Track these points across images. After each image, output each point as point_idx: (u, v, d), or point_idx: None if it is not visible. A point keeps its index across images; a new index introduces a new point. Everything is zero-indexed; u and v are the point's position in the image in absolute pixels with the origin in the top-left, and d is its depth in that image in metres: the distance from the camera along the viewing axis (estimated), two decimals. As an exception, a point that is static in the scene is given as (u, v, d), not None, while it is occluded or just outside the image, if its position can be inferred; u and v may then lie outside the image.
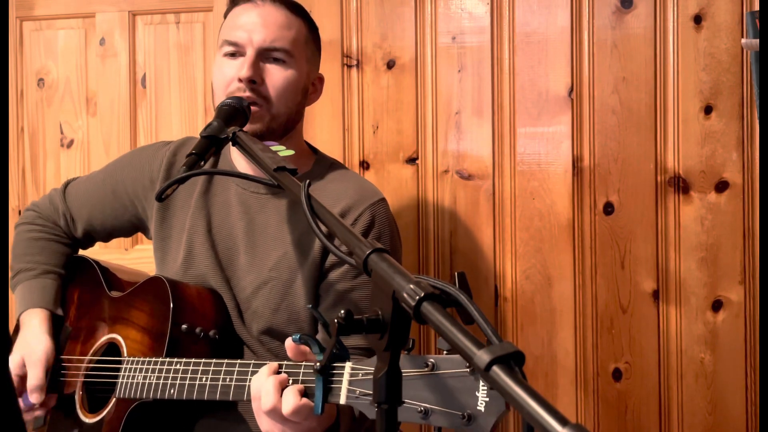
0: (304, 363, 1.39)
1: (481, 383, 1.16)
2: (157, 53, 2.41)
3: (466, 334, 0.88)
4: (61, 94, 2.47)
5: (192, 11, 2.39)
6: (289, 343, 1.39)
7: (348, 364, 1.30)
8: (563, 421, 0.77)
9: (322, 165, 1.83)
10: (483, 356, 0.84)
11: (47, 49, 2.48)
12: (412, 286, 0.96)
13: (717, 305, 2.10)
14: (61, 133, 2.47)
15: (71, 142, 2.47)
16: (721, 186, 2.10)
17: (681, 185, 2.11)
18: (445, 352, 1.17)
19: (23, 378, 1.74)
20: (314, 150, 1.88)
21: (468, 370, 1.16)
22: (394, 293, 0.97)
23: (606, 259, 2.15)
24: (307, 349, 1.38)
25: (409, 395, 1.19)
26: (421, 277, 1.01)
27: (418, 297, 0.94)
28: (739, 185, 2.09)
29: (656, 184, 2.12)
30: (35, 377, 1.72)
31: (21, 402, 1.74)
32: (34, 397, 1.72)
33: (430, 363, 1.19)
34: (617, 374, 2.15)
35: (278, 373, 1.39)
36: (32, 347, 1.75)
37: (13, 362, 1.75)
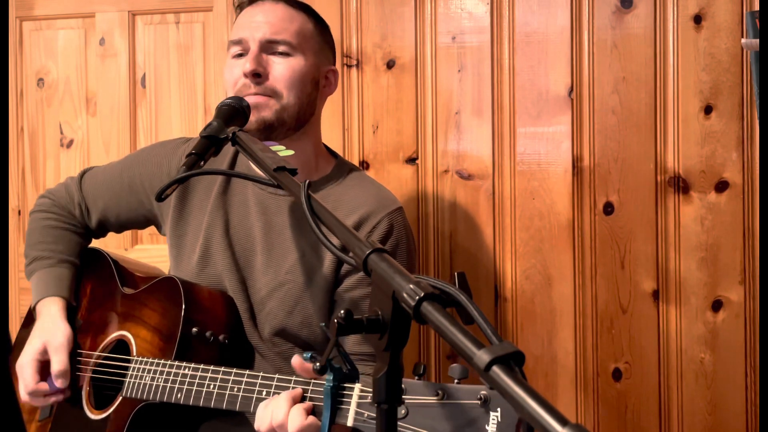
0: (313, 381, 1.39)
1: (492, 417, 1.15)
2: (157, 53, 2.41)
3: (466, 334, 0.88)
4: (60, 94, 2.47)
5: (192, 11, 2.39)
6: (295, 360, 1.39)
7: (357, 386, 1.29)
8: (563, 421, 0.77)
9: (342, 170, 1.83)
10: (483, 356, 0.84)
11: (47, 49, 2.47)
12: (411, 286, 0.95)
13: (717, 305, 2.10)
14: (61, 133, 2.47)
15: (71, 142, 2.47)
16: (721, 186, 2.10)
17: (681, 185, 2.11)
18: (456, 381, 1.17)
19: (45, 364, 1.73)
20: (334, 154, 1.88)
21: (479, 401, 1.15)
22: (394, 293, 0.97)
23: (606, 259, 2.15)
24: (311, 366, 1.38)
25: (418, 422, 1.18)
26: (421, 277, 1.01)
27: (417, 297, 0.94)
28: (739, 185, 2.09)
29: (656, 184, 2.12)
30: (60, 362, 1.72)
31: (47, 385, 1.72)
32: (60, 382, 1.71)
33: (440, 392, 1.18)
34: (617, 374, 2.15)
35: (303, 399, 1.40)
36: (53, 333, 1.75)
37: (34, 348, 1.73)
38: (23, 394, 1.74)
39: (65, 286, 1.84)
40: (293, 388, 1.40)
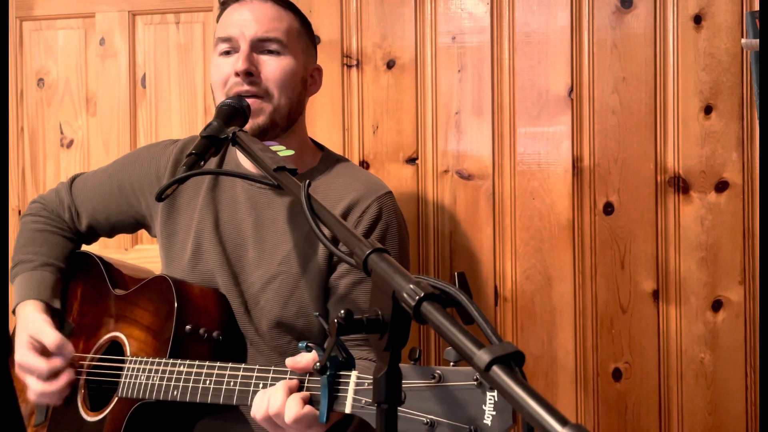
0: (308, 372, 1.39)
1: (488, 397, 1.15)
2: (157, 53, 2.41)
3: (466, 334, 0.88)
4: (60, 94, 2.47)
5: (192, 11, 2.39)
6: (289, 361, 1.40)
7: (354, 373, 1.30)
8: (563, 421, 0.77)
9: (329, 161, 1.84)
10: (483, 356, 0.84)
11: (47, 49, 2.48)
12: (411, 286, 0.96)
13: (717, 305, 2.10)
14: (61, 133, 2.47)
15: (71, 142, 2.47)
16: (721, 186, 2.10)
17: (681, 185, 2.11)
18: (452, 363, 1.17)
19: (41, 350, 1.71)
20: (320, 146, 1.89)
21: (475, 382, 1.15)
22: (394, 293, 0.97)
23: (606, 259, 2.15)
24: (308, 366, 1.38)
25: (415, 406, 1.18)
26: (421, 277, 1.01)
27: (418, 297, 0.94)
28: (739, 185, 2.09)
29: (656, 184, 2.12)
30: (51, 337, 1.70)
31: (59, 359, 1.69)
32: (68, 349, 1.70)
33: (437, 374, 1.18)
34: (617, 374, 2.15)
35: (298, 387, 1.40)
36: (31, 324, 1.74)
37: (23, 341, 1.71)
38: (39, 387, 1.70)
39: (46, 289, 1.83)
40: (290, 379, 1.40)
